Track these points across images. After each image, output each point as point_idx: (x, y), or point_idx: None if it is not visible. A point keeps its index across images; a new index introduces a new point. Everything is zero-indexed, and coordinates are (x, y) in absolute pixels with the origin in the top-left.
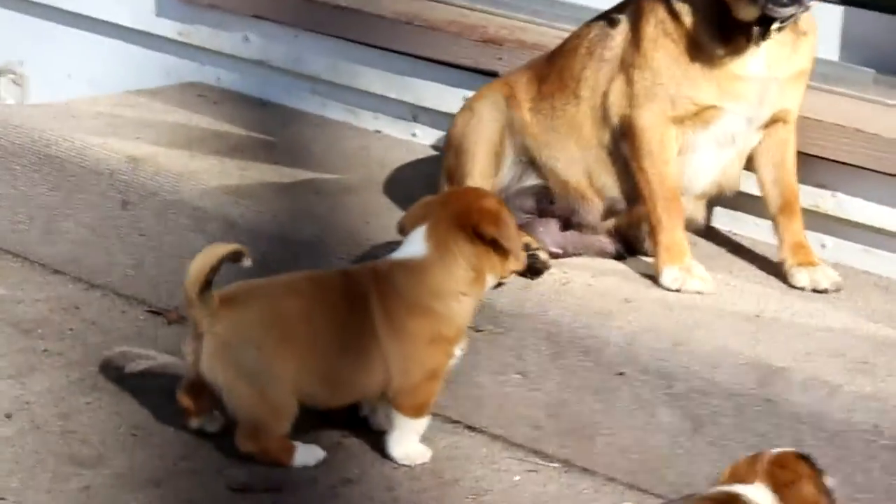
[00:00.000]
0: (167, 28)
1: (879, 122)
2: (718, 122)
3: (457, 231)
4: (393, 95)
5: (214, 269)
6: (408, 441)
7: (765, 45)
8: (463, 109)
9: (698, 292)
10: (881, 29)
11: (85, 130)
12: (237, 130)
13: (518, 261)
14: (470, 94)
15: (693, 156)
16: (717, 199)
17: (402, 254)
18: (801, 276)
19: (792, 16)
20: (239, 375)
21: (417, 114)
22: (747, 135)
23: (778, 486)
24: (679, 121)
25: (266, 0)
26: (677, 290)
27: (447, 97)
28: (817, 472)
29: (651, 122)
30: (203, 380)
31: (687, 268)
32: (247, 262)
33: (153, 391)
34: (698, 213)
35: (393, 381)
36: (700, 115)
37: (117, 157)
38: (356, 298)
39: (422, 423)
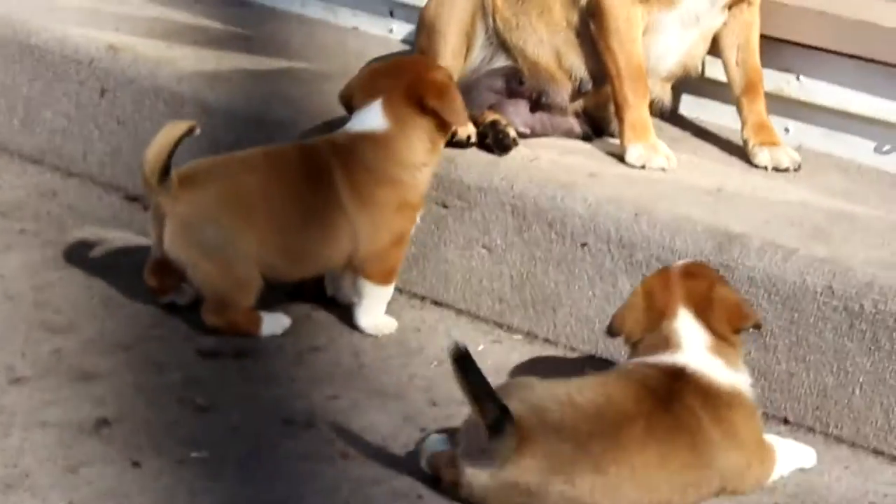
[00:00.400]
0: None
1: (843, 5)
2: (682, 0)
3: (410, 105)
4: None
5: (171, 153)
6: (376, 311)
7: None
8: None
9: (662, 169)
10: None
11: (65, 22)
12: (216, 25)
13: (464, 128)
14: None
15: (658, 36)
16: (683, 81)
17: (361, 126)
18: (762, 155)
19: None
20: (202, 253)
21: (394, 9)
22: (711, 14)
23: (699, 306)
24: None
25: None
26: (642, 167)
27: None
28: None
29: (617, 1)
30: (168, 259)
31: (652, 145)
32: (196, 132)
33: (126, 267)
34: (664, 95)
35: (360, 249)
36: None
37: (96, 45)
38: (317, 171)
39: (388, 292)
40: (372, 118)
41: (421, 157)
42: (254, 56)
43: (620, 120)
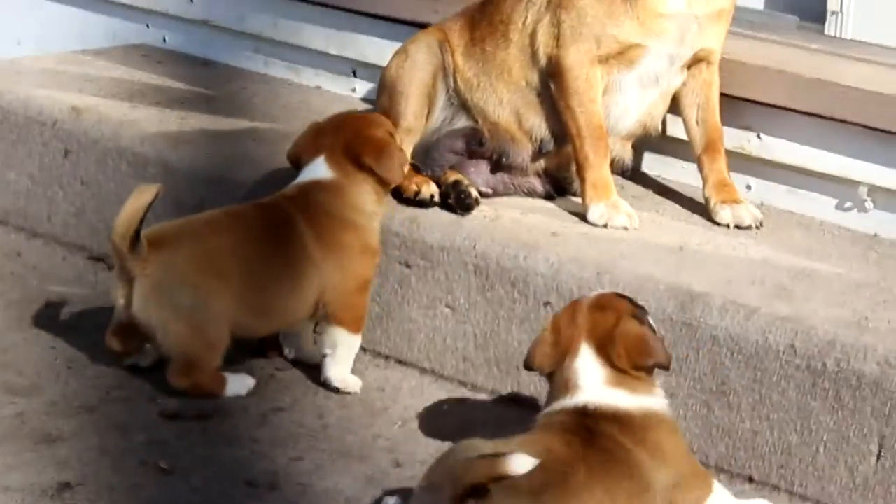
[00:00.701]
0: None
1: (802, 64)
2: (642, 60)
3: (349, 161)
4: (333, 52)
5: (142, 220)
6: (345, 362)
7: None
8: (398, 52)
9: (624, 227)
10: None
11: (29, 84)
12: (179, 86)
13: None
14: None
15: (618, 96)
16: (643, 140)
17: (310, 176)
18: (724, 213)
19: None
20: (174, 314)
21: (357, 69)
22: (670, 74)
23: (600, 342)
24: (604, 60)
25: None
26: (604, 226)
27: (387, 52)
28: (636, 306)
29: (577, 61)
30: (134, 322)
31: (613, 204)
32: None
33: (90, 329)
34: (625, 154)
35: (329, 295)
36: (624, 54)
37: (60, 106)
38: (281, 224)
39: (357, 342)
40: (318, 170)
41: (371, 206)
42: (217, 116)
43: (582, 179)
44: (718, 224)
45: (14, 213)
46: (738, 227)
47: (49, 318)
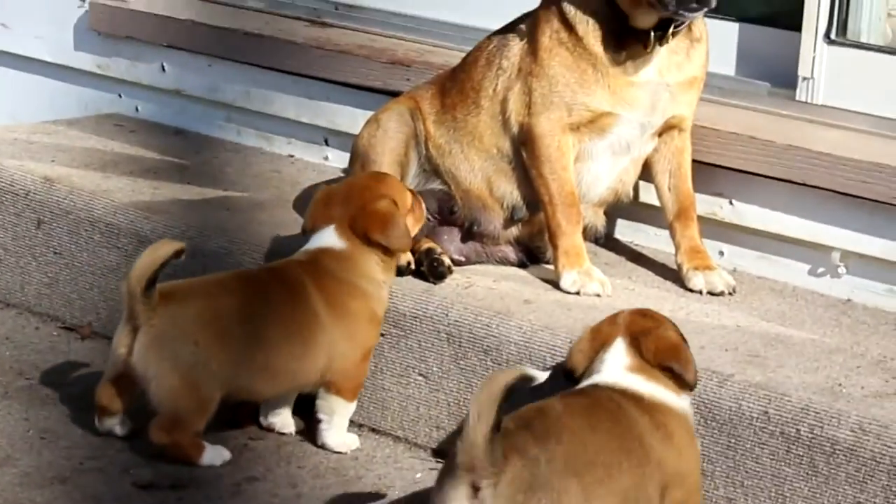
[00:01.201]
0: (86, 61)
1: (773, 130)
2: (613, 129)
3: (357, 235)
4: (305, 120)
5: (160, 269)
6: (341, 427)
7: (657, 51)
8: (369, 121)
9: (597, 295)
10: (775, 44)
11: (2, 154)
12: (151, 155)
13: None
14: None
15: (590, 163)
16: (614, 207)
17: (320, 243)
18: (696, 280)
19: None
20: (172, 367)
21: (329, 137)
22: (642, 142)
23: (635, 335)
24: (575, 128)
25: (181, 29)
26: (576, 293)
27: (359, 120)
28: (680, 333)
29: (549, 129)
30: (131, 372)
31: (586, 271)
32: (183, 257)
33: (63, 399)
34: (597, 221)
35: (334, 363)
36: (595, 122)
37: (32, 177)
38: (291, 288)
39: (353, 408)
40: (329, 238)
41: (379, 275)
42: (189, 185)
43: (554, 247)
44: (691, 291)
45: None
46: (710, 293)
47: (22, 388)
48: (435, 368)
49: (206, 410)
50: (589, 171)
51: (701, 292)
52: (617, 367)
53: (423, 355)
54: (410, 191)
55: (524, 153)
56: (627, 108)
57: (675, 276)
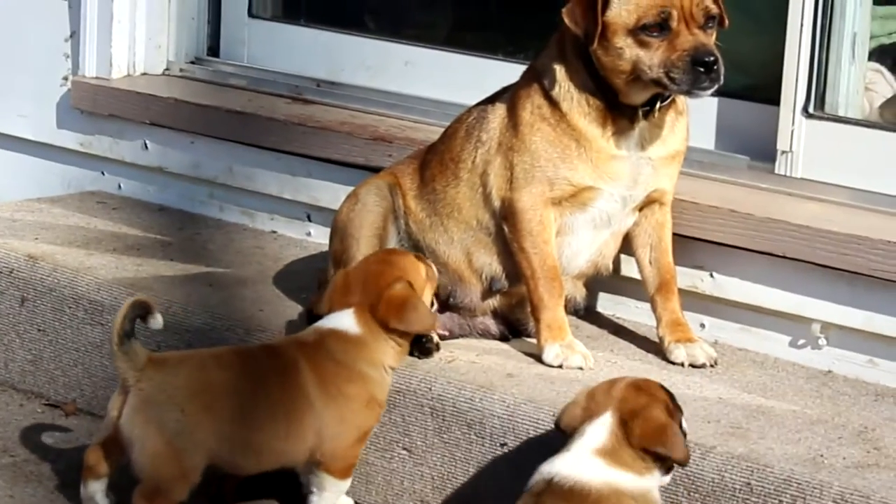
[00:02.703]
0: (68, 139)
1: (752, 203)
2: (595, 202)
3: (376, 322)
4: (287, 196)
5: (127, 318)
6: (334, 501)
7: (639, 125)
8: (348, 196)
9: (580, 368)
10: (754, 119)
11: None
12: (134, 232)
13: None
14: None
15: (571, 237)
16: (594, 279)
17: (333, 324)
18: (678, 352)
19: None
20: (158, 433)
21: (311, 213)
22: (623, 216)
23: (624, 416)
24: (557, 202)
25: (164, 107)
26: (559, 367)
27: (340, 196)
28: (674, 404)
29: (531, 204)
30: (118, 435)
31: (568, 344)
32: (154, 322)
33: (48, 477)
34: (577, 293)
35: (324, 445)
36: (577, 196)
37: (16, 255)
38: (284, 369)
39: (346, 485)
40: (345, 321)
41: (390, 361)
42: (172, 262)
43: (536, 320)
44: (673, 363)
45: None
46: (692, 365)
47: (6, 465)
48: (419, 442)
49: (188, 479)
50: (570, 245)
51: (683, 364)
52: (584, 449)
53: (407, 429)
54: (418, 257)
55: (506, 227)
56: (610, 182)
57: (656, 348)
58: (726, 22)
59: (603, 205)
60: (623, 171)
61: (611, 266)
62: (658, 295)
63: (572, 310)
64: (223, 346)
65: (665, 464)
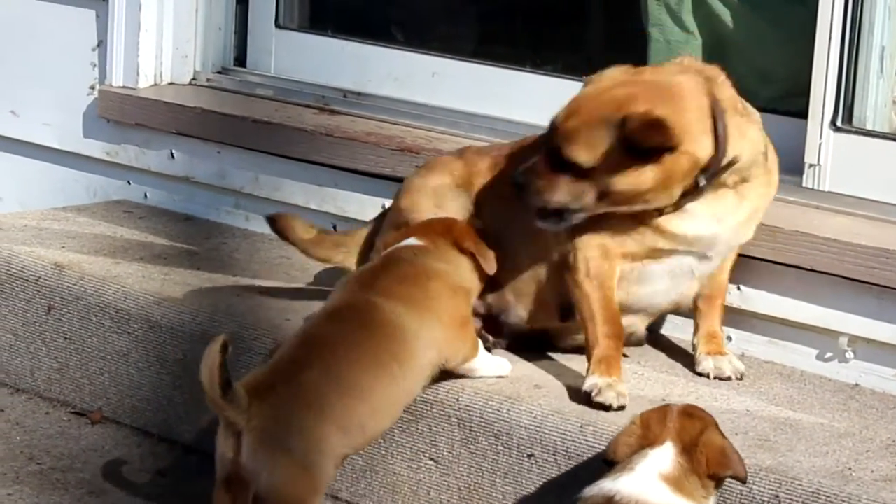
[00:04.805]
0: (95, 148)
1: (781, 217)
2: (671, 259)
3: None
4: (314, 206)
5: (223, 367)
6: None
7: (704, 203)
8: (414, 185)
9: (608, 406)
10: (781, 132)
11: (11, 241)
12: (161, 241)
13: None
14: (388, 202)
15: (647, 287)
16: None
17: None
18: (706, 363)
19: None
20: (288, 459)
21: (337, 223)
22: (705, 267)
23: (687, 445)
24: (628, 256)
25: (191, 117)
26: (588, 399)
27: (366, 207)
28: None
29: (595, 254)
30: (242, 472)
31: (610, 383)
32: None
33: (74, 485)
34: (641, 326)
35: (444, 353)
36: (651, 253)
37: (43, 263)
38: (363, 317)
39: (482, 350)
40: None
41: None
42: (199, 271)
43: (589, 356)
44: (700, 374)
45: None
46: (718, 378)
47: (33, 473)
48: (445, 452)
49: (323, 490)
50: (645, 294)
51: (709, 376)
52: (650, 472)
53: (434, 439)
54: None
55: (567, 265)
56: (686, 248)
57: (684, 360)
58: None
59: (681, 261)
60: (699, 243)
61: (692, 303)
62: (704, 304)
63: (634, 343)
64: (293, 338)
65: (721, 485)
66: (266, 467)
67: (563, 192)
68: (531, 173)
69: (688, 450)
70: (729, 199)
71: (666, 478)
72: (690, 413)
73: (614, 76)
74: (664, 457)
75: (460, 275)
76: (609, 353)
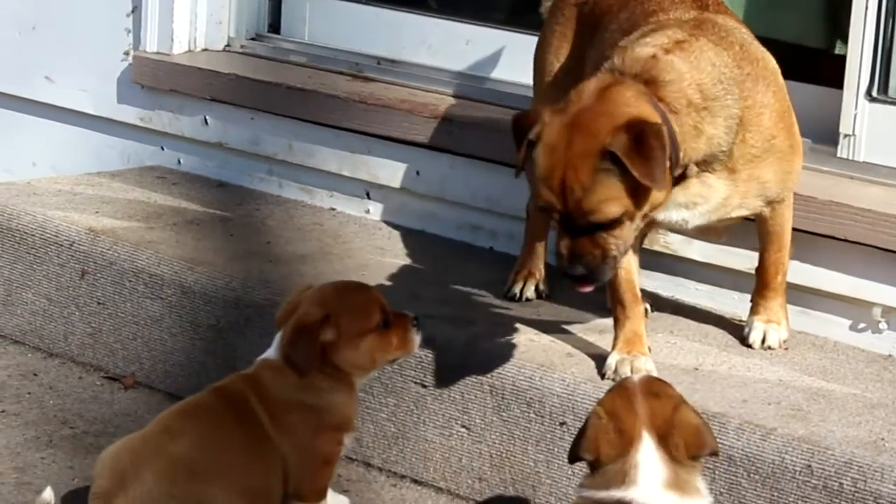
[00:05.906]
0: (129, 114)
1: (815, 187)
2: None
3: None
4: (347, 173)
5: None
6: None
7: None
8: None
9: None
10: (816, 101)
11: (46, 205)
12: (194, 207)
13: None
14: (421, 169)
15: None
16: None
17: (267, 354)
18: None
19: None
20: None
21: (370, 191)
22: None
23: (661, 433)
24: None
25: (224, 83)
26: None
27: (400, 174)
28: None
29: None
30: None
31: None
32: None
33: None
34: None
35: (292, 475)
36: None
37: (77, 228)
38: (239, 409)
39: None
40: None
41: (322, 382)
42: (232, 238)
43: (616, 334)
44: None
45: (30, 334)
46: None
47: (66, 437)
48: (477, 420)
49: None
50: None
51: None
52: (654, 483)
53: (466, 407)
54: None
55: None
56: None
57: (715, 330)
58: None
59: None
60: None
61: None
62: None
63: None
64: (168, 411)
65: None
66: None
67: (615, 245)
68: (577, 256)
69: (664, 437)
70: (693, 189)
71: (667, 483)
72: (655, 392)
73: (552, 124)
74: (651, 457)
75: (325, 401)
76: (634, 329)
